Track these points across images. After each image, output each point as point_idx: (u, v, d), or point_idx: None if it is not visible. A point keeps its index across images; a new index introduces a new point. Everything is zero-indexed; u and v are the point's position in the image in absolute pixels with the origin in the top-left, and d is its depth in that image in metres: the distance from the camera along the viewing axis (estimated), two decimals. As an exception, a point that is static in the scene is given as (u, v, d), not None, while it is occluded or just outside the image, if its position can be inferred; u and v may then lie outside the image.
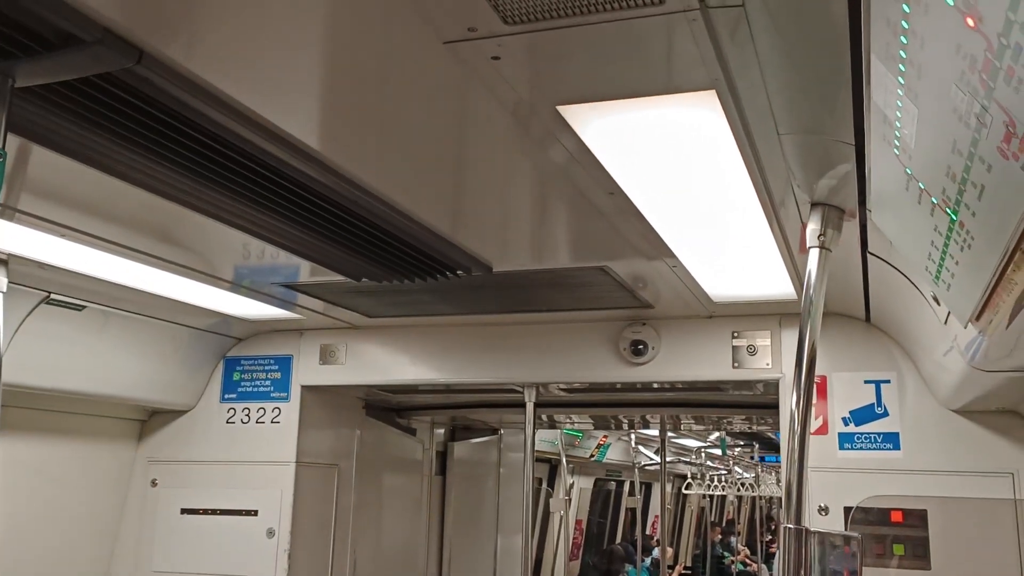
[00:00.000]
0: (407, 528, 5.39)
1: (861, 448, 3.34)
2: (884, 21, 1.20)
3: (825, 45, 1.44)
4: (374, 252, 2.70)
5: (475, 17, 1.41)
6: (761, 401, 4.44)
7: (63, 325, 3.38)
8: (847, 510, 3.30)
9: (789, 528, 2.05)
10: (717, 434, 8.95)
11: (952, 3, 0.97)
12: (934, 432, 3.29)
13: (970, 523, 3.18)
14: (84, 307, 3.40)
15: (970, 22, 0.96)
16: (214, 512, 4.11)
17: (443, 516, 5.80)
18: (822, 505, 3.31)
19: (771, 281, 3.09)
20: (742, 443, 10.52)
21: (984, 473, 3.19)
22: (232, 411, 4.22)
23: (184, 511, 4.15)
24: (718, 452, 10.48)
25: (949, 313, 2.24)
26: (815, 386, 3.43)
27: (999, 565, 3.12)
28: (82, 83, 1.59)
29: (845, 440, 3.37)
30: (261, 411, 4.18)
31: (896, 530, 3.24)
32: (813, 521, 3.28)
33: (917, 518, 3.23)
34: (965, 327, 1.97)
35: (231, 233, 2.53)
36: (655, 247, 2.69)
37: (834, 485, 3.33)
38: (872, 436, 3.34)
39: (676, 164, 2.05)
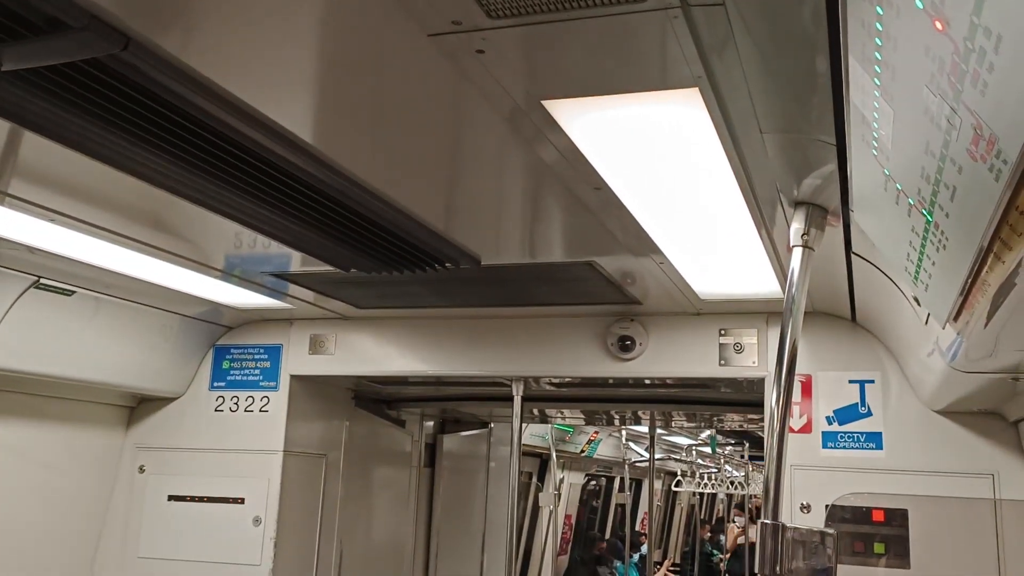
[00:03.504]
0: (394, 519, 5.40)
1: (844, 447, 3.37)
2: (859, 22, 1.22)
3: (804, 45, 1.45)
4: (363, 243, 2.71)
5: (459, 10, 1.43)
6: (751, 399, 4.46)
7: (52, 310, 3.38)
8: (829, 508, 3.32)
9: (766, 523, 2.07)
10: (708, 432, 8.98)
11: (921, 6, 0.99)
12: (917, 432, 3.32)
13: (950, 523, 3.21)
14: (74, 292, 3.41)
15: (938, 25, 0.98)
16: (201, 499, 4.13)
17: (431, 508, 5.82)
18: (804, 503, 3.34)
19: (758, 279, 3.10)
20: (733, 442, 10.55)
21: (965, 474, 3.22)
22: (221, 399, 4.23)
23: (171, 498, 4.16)
24: (709, 450, 10.51)
25: (929, 314, 2.26)
26: (800, 385, 3.47)
27: (978, 565, 3.15)
28: (69, 68, 1.60)
29: (828, 439, 3.39)
30: (250, 400, 4.19)
31: (877, 528, 3.27)
32: (795, 518, 3.30)
33: (898, 517, 3.25)
34: (943, 328, 1.99)
35: (222, 222, 2.54)
36: (642, 243, 2.71)
37: (817, 483, 3.36)
38: (855, 435, 3.36)
39: (662, 161, 2.07)
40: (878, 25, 1.16)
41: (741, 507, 12.92)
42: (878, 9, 1.13)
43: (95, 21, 1.46)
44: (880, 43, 1.19)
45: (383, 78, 1.72)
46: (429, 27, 1.49)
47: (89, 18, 1.45)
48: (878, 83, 1.29)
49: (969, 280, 1.50)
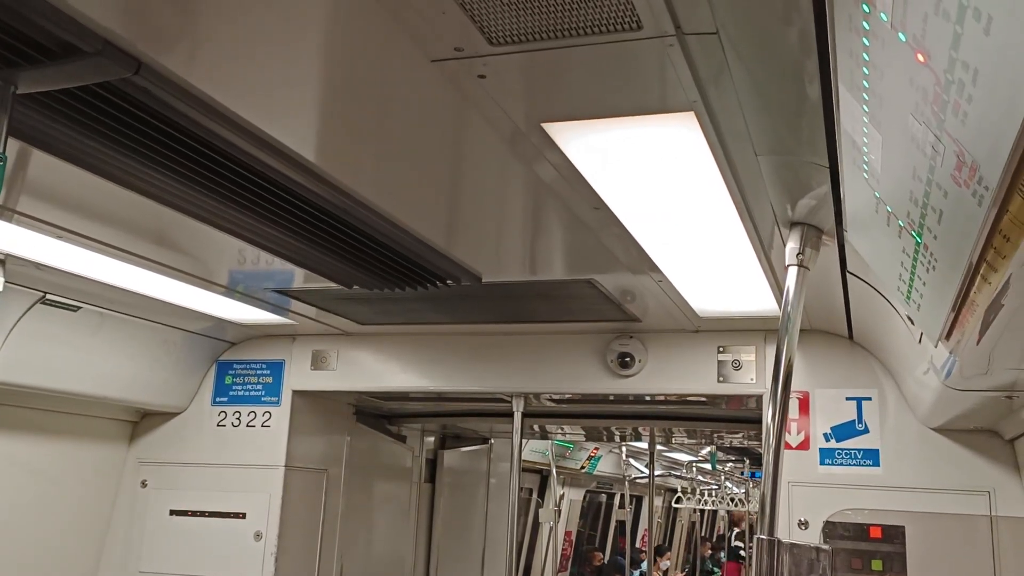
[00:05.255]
0: (395, 535, 5.41)
1: (841, 464, 3.39)
2: (848, 52, 1.26)
3: (795, 73, 1.50)
4: (366, 260, 2.75)
5: (461, 37, 1.47)
6: (751, 416, 4.48)
7: (58, 325, 3.42)
8: (825, 524, 3.34)
9: (762, 539, 2.10)
10: (708, 449, 8.98)
11: (904, 39, 1.03)
12: (913, 449, 3.34)
13: (947, 540, 3.23)
14: (79, 308, 3.45)
15: (920, 58, 1.02)
16: (203, 514, 4.14)
17: (431, 524, 5.83)
18: (802, 519, 3.36)
19: (756, 297, 3.14)
20: (733, 458, 10.54)
21: (962, 491, 3.24)
22: (223, 414, 4.26)
23: (173, 512, 4.18)
24: (709, 467, 10.51)
25: (923, 333, 2.29)
26: (798, 402, 3.49)
27: (975, 582, 3.17)
28: (82, 91, 1.64)
29: (826, 455, 3.41)
30: (252, 415, 4.22)
31: (874, 545, 3.29)
32: (793, 535, 3.32)
33: (895, 534, 3.27)
34: (935, 346, 2.02)
35: (226, 239, 2.58)
36: (641, 261, 2.75)
37: (814, 500, 3.37)
38: (852, 452, 3.39)
39: (659, 181, 2.11)
40: (865, 56, 1.20)
41: (689, 539, 11.86)
42: (864, 41, 1.17)
43: (108, 46, 1.51)
44: (867, 72, 1.24)
45: (386, 101, 1.76)
46: (432, 53, 1.53)
47: (103, 43, 1.50)
48: (867, 110, 1.34)
49: (958, 300, 1.54)
